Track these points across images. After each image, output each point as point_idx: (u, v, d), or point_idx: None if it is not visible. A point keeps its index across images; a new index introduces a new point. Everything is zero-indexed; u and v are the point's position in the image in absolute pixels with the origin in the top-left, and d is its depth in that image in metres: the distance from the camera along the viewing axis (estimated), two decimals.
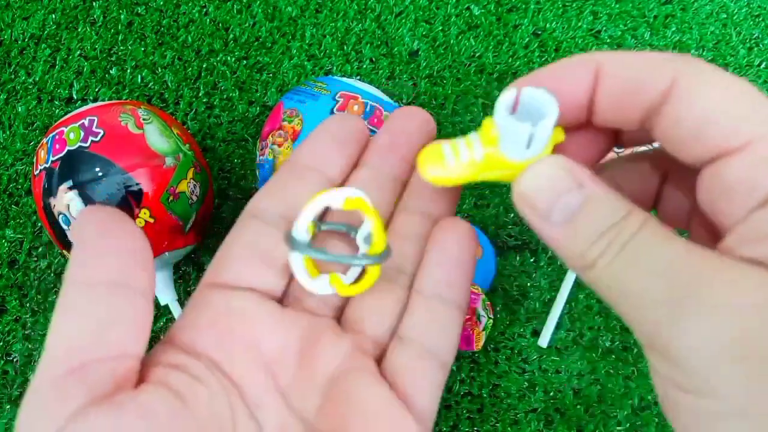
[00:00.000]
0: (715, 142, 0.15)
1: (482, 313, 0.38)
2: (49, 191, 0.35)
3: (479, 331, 0.37)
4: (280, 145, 0.37)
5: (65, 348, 0.16)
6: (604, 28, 0.47)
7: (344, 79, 0.39)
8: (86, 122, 0.35)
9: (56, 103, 0.46)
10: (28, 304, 0.42)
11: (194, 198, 0.37)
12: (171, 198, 0.35)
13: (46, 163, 0.35)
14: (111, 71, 0.46)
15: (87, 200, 0.34)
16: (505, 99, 0.17)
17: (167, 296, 0.39)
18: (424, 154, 0.19)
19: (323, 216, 0.21)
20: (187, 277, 0.42)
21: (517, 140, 0.17)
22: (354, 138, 0.21)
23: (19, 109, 0.45)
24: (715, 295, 0.14)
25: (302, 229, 0.19)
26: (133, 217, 0.34)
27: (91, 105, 0.37)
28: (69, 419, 0.14)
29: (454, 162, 0.18)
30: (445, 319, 0.20)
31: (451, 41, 0.47)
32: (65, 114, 0.38)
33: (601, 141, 0.19)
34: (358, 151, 0.21)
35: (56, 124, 0.36)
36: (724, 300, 0.14)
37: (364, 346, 0.19)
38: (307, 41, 0.47)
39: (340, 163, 0.21)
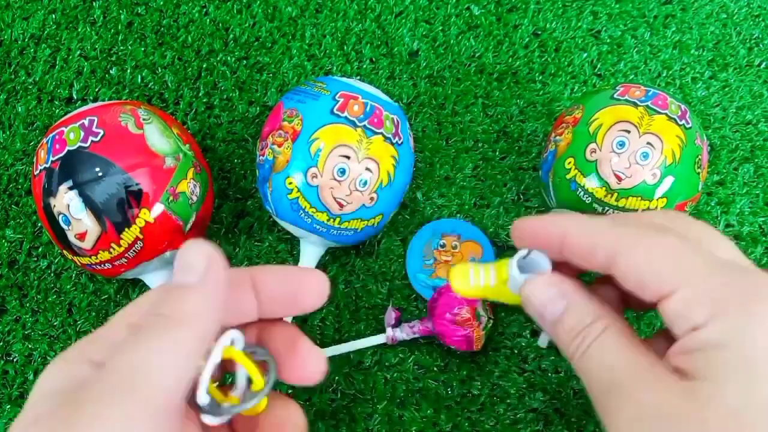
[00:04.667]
0: (651, 292, 0.21)
1: (482, 313, 0.38)
2: (49, 191, 0.35)
3: (479, 331, 0.37)
4: (280, 145, 0.37)
5: None
6: (604, 28, 0.47)
7: (344, 79, 0.39)
8: (86, 122, 0.35)
9: (56, 103, 0.46)
10: (28, 304, 0.42)
11: (194, 198, 0.37)
12: (171, 198, 0.35)
13: (46, 163, 0.35)
14: (111, 71, 0.46)
15: (87, 200, 0.34)
16: (518, 257, 0.25)
17: None
18: (455, 270, 0.26)
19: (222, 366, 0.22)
20: None
21: (520, 284, 0.25)
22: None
23: (19, 109, 0.45)
24: (635, 395, 0.20)
25: (204, 397, 0.21)
26: (133, 217, 0.34)
27: (91, 105, 0.37)
28: None
29: (474, 282, 0.26)
30: None
31: (451, 41, 0.47)
32: (65, 114, 0.38)
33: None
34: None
35: (56, 124, 0.36)
36: (642, 404, 0.20)
37: None
38: (307, 41, 0.47)
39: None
